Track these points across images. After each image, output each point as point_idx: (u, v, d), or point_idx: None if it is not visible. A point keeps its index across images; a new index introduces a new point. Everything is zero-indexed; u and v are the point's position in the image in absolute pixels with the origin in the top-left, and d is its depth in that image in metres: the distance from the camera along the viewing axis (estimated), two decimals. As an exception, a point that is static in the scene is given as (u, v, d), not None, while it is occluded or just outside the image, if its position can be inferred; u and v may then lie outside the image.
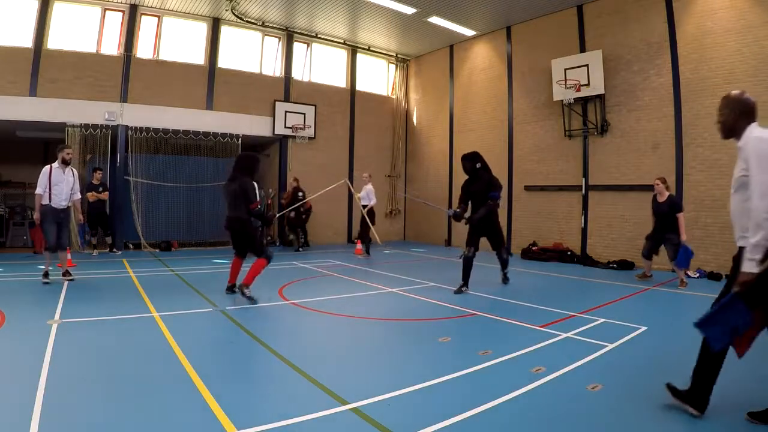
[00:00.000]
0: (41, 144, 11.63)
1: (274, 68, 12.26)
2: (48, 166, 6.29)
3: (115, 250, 9.75)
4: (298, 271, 8.03)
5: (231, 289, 5.76)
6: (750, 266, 2.26)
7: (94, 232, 9.64)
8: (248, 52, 11.85)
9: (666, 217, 6.91)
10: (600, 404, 2.80)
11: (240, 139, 11.43)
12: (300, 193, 10.40)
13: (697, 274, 7.78)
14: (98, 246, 9.65)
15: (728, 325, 2.32)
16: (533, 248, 10.23)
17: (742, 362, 2.54)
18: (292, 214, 10.60)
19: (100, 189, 9.52)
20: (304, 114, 12.23)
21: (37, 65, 9.26)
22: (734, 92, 2.55)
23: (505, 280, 6.90)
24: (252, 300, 5.33)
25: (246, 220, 5.52)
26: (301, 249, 10.83)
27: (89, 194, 9.34)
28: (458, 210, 6.44)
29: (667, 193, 7.03)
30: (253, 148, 13.05)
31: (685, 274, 7.04)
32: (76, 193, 6.50)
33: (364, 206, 9.90)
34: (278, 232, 12.29)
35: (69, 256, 7.75)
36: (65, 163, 6.35)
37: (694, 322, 2.42)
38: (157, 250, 10.28)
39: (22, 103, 9.09)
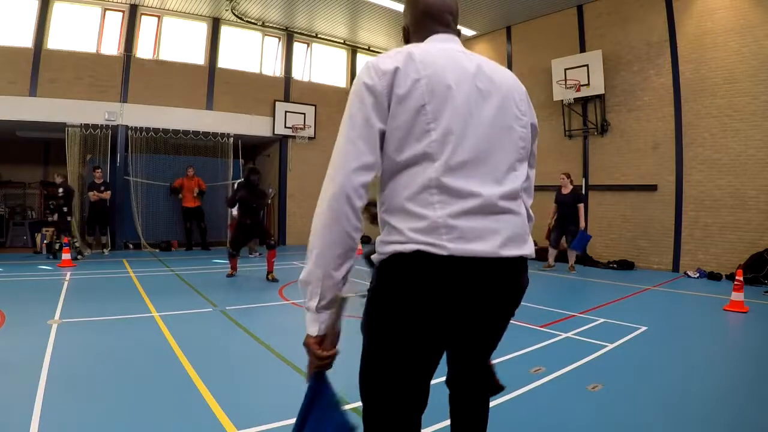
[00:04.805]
0: (41, 144, 11.64)
1: (274, 68, 12.25)
2: None
3: (105, 250, 9.66)
4: (298, 271, 8.01)
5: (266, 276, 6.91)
6: (310, 324, 1.25)
7: (91, 231, 9.63)
8: (248, 52, 11.84)
9: (568, 207, 8.07)
10: (600, 404, 2.80)
11: (240, 139, 11.42)
12: (60, 190, 8.54)
13: (697, 274, 7.78)
14: (93, 246, 9.63)
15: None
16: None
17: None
18: (55, 216, 8.63)
19: (102, 188, 9.46)
20: (304, 114, 12.22)
21: (37, 65, 9.24)
22: None
23: None
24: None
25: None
26: (52, 257, 8.56)
27: (91, 193, 9.31)
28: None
29: (571, 186, 8.22)
30: (254, 148, 13.08)
31: (574, 263, 8.36)
32: None
33: None
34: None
35: (69, 255, 7.82)
36: None
37: None
38: (157, 250, 10.27)
39: (22, 103, 9.07)
